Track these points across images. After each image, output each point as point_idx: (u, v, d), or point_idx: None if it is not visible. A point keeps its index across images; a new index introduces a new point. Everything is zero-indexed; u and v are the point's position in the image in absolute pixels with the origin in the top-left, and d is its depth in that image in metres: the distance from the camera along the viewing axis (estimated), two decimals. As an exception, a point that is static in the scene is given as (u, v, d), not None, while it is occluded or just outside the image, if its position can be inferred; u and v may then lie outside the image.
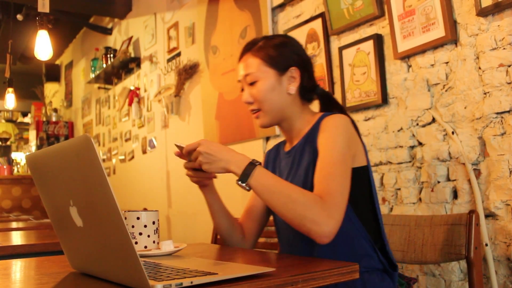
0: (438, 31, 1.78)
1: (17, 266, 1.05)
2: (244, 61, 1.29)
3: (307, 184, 1.18)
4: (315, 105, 1.38)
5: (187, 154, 1.17)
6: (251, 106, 1.28)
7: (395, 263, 1.22)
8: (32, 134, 6.41)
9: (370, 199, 1.23)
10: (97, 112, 5.50)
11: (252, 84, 1.26)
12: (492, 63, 1.63)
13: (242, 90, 1.30)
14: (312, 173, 1.17)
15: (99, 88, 5.29)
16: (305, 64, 1.30)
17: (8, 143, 8.35)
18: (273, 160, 1.41)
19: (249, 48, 1.29)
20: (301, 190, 1.07)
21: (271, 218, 1.38)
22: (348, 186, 1.11)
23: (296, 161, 1.27)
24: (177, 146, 1.21)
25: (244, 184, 1.07)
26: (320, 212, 1.03)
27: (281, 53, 1.26)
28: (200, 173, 1.22)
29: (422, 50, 1.86)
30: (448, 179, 1.78)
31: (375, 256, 1.19)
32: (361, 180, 1.21)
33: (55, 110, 6.61)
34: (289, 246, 1.28)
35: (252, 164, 1.08)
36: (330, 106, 1.36)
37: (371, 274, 1.17)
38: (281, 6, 2.65)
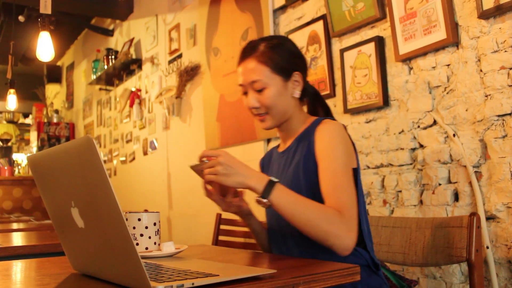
0: (440, 34, 1.78)
1: (18, 267, 1.05)
2: (248, 66, 1.27)
3: (294, 181, 1.22)
4: None
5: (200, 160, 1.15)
6: (257, 111, 1.29)
7: (377, 262, 1.23)
8: (33, 135, 6.42)
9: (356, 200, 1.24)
10: (98, 113, 5.50)
11: (259, 90, 1.26)
12: (494, 65, 1.63)
13: (245, 93, 1.30)
14: (302, 172, 1.22)
15: (100, 89, 5.30)
16: (304, 66, 1.34)
17: (9, 144, 8.35)
18: (267, 165, 1.44)
19: (251, 52, 1.28)
20: (320, 206, 1.11)
21: (264, 217, 1.40)
22: (355, 196, 1.16)
23: (288, 161, 1.31)
24: (193, 168, 1.16)
25: (265, 200, 1.09)
26: (342, 227, 1.08)
27: (286, 59, 1.28)
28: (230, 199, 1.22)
29: (423, 52, 1.86)
30: (449, 182, 1.78)
31: (360, 254, 1.21)
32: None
33: (56, 111, 6.62)
34: (278, 249, 1.32)
35: (272, 181, 1.10)
36: (318, 104, 1.39)
37: None
38: (283, 8, 2.65)
